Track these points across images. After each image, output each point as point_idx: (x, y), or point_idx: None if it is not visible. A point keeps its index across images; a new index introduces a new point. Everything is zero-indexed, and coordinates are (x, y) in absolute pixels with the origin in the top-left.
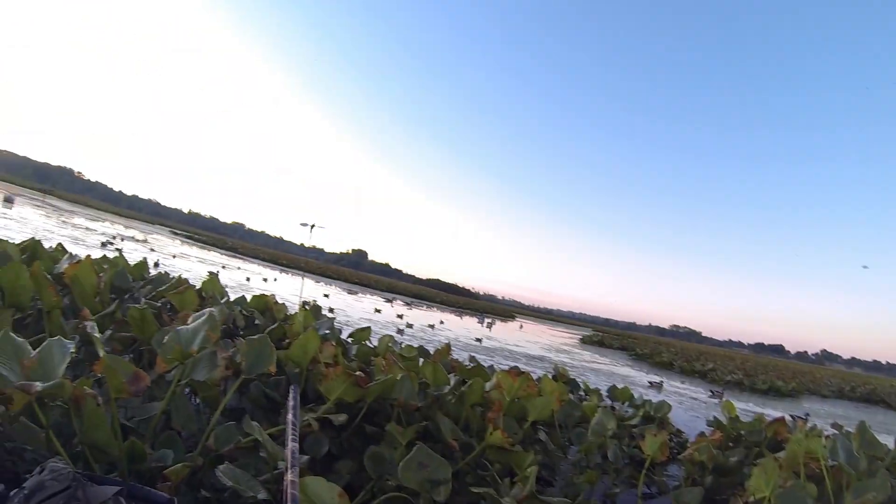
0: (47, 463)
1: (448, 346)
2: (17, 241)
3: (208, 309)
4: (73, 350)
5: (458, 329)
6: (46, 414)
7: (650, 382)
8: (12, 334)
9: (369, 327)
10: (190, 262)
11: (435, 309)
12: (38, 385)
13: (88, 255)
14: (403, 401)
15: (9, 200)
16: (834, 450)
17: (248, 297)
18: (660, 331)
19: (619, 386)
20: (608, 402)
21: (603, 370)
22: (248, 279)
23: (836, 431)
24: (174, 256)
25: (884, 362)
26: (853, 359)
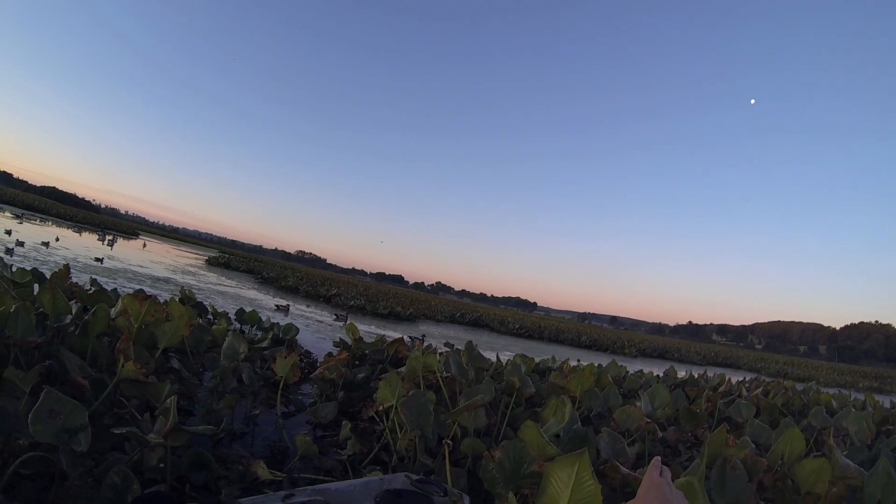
0: None
1: (67, 268)
2: None
3: None
4: None
5: (77, 247)
6: None
7: (277, 306)
8: None
9: None
10: None
11: (50, 223)
12: None
13: None
14: (20, 338)
15: None
16: (447, 364)
17: None
18: (286, 255)
19: (248, 309)
20: (237, 325)
21: (230, 293)
22: None
23: (448, 349)
24: None
25: (489, 294)
26: (464, 291)
